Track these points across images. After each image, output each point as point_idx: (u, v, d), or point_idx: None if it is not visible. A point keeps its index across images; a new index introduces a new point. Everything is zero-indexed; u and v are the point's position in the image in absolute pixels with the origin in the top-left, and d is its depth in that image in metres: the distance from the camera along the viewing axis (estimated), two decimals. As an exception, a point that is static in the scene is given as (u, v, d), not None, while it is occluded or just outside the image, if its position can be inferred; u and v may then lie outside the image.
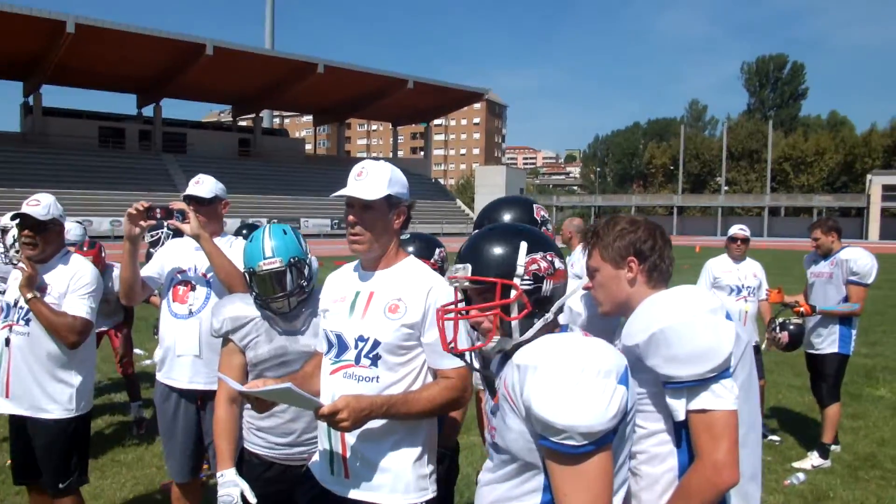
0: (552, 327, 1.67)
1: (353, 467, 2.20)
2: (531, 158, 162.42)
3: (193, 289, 3.36)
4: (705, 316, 1.68)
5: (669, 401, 1.67)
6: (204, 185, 3.42)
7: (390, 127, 69.28)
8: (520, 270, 1.60)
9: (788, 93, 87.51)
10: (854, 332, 5.32)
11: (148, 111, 51.05)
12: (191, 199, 3.35)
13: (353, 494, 2.19)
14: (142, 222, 3.06)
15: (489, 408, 1.71)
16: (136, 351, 7.51)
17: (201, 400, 3.35)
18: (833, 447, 5.43)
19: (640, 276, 1.85)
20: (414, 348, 2.21)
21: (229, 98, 55.15)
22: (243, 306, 2.75)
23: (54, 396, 3.18)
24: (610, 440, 1.45)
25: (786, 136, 78.48)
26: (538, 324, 1.61)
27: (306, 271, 2.72)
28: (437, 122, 78.40)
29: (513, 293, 1.59)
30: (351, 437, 2.18)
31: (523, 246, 1.62)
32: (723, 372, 1.65)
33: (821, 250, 5.43)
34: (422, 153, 75.12)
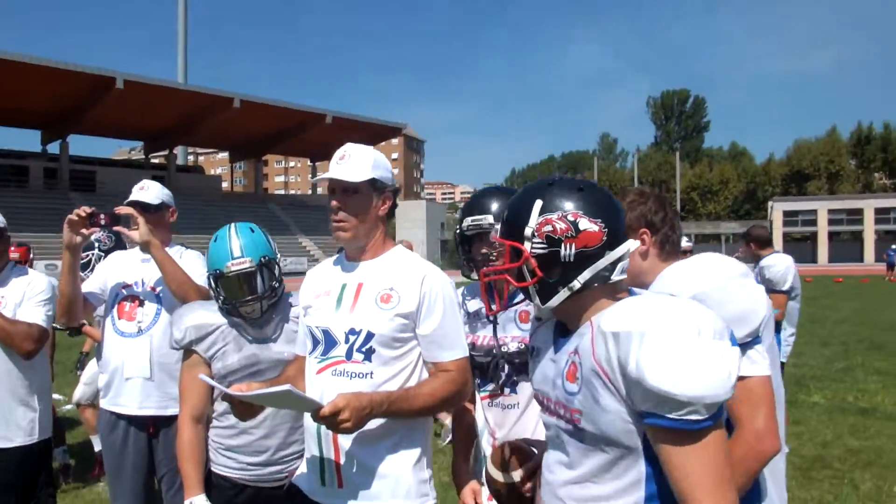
0: (606, 291, 1.45)
1: (348, 475, 2.01)
2: (450, 193, 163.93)
3: (142, 304, 3.07)
4: (738, 279, 1.62)
5: None
6: (150, 191, 3.16)
7: (308, 163, 68.60)
8: (528, 232, 1.44)
9: (692, 125, 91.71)
10: (782, 338, 5.49)
11: (53, 148, 48.62)
12: (136, 206, 3.07)
13: None
14: (83, 230, 2.77)
15: (562, 388, 1.45)
16: (55, 396, 6.92)
17: (153, 427, 3.04)
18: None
19: (652, 248, 1.79)
20: (409, 341, 2.05)
21: (141, 134, 53.13)
22: (207, 314, 2.52)
23: (18, 423, 2.99)
24: (723, 412, 1.30)
25: (692, 166, 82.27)
26: (562, 292, 1.44)
27: (277, 272, 2.52)
28: (357, 157, 77.75)
29: (521, 255, 1.45)
30: (345, 442, 1.99)
31: (537, 205, 1.45)
32: (756, 337, 1.60)
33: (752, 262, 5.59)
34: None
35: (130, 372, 2.99)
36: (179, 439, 2.47)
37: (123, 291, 3.09)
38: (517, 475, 1.96)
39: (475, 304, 2.36)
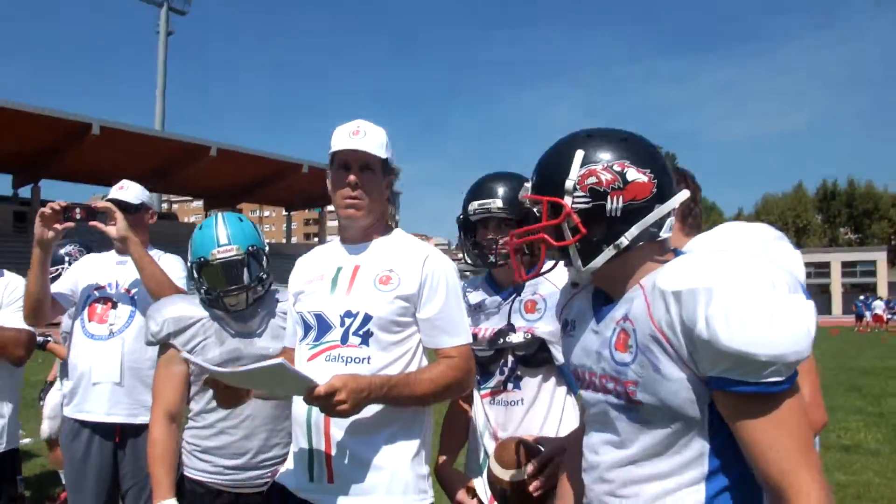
0: (654, 249, 1.33)
1: (340, 468, 1.83)
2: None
3: (115, 306, 2.91)
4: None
5: None
6: (129, 191, 3.04)
7: (283, 212, 68.38)
8: (570, 185, 1.30)
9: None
10: None
11: (25, 192, 47.88)
12: (114, 205, 2.94)
13: (340, 502, 1.82)
14: (57, 225, 2.61)
15: (611, 359, 1.31)
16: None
17: (120, 436, 2.85)
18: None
19: (675, 221, 1.70)
20: (409, 326, 1.91)
21: (116, 180, 52.68)
22: (187, 306, 2.38)
23: None
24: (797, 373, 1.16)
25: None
26: (607, 251, 1.30)
27: (265, 263, 2.39)
28: (331, 207, 78.05)
29: (562, 212, 1.31)
30: (338, 431, 1.83)
31: (578, 155, 1.31)
32: None
33: None
34: (316, 238, 74.25)
35: (99, 376, 2.81)
36: (151, 439, 2.29)
37: (95, 293, 2.94)
38: (524, 472, 1.84)
39: (477, 296, 2.25)
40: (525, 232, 1.39)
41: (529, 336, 2.07)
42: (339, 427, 1.83)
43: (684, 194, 1.35)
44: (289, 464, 1.98)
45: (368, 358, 1.85)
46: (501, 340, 2.12)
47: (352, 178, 1.92)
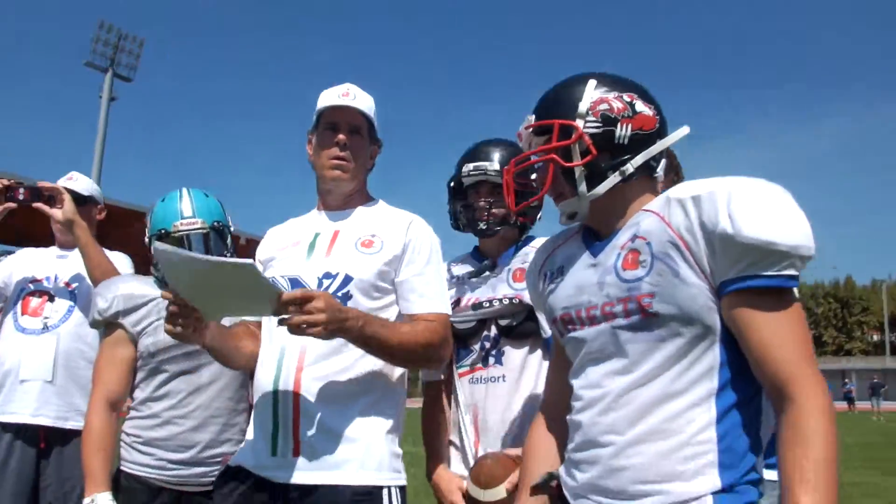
0: (644, 186, 1.38)
1: (308, 440, 1.66)
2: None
3: (51, 300, 2.68)
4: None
5: None
6: (79, 182, 2.86)
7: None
8: (583, 109, 1.34)
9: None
10: None
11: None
12: None
13: (305, 477, 1.64)
14: None
15: (618, 282, 1.30)
16: None
17: (46, 442, 2.55)
18: None
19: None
20: (388, 293, 1.81)
21: (48, 242, 50.90)
22: (139, 284, 2.22)
23: None
24: None
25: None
26: (612, 178, 1.34)
27: (229, 242, 2.25)
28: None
29: (573, 135, 1.33)
30: (308, 397, 1.68)
31: (591, 83, 1.37)
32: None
33: None
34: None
35: (28, 373, 2.55)
36: (88, 427, 2.07)
37: (31, 286, 2.71)
38: (502, 490, 1.76)
39: (461, 269, 2.16)
40: (540, 151, 1.39)
41: (517, 301, 1.96)
42: (309, 393, 1.68)
43: (684, 130, 1.40)
44: (248, 440, 1.79)
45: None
46: (486, 303, 2.01)
47: (341, 136, 1.85)
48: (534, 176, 1.53)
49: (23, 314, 2.65)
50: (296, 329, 1.47)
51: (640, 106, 1.36)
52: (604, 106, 1.34)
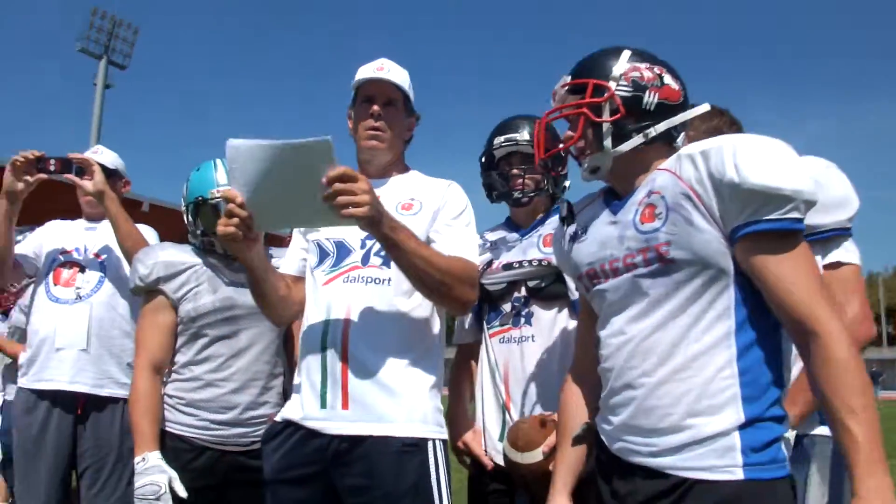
0: (663, 153, 1.46)
1: (356, 393, 1.72)
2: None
3: (83, 271, 2.73)
4: (836, 169, 1.69)
5: None
6: (105, 155, 2.91)
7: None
8: (616, 73, 1.45)
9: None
10: None
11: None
12: None
13: (354, 428, 1.71)
14: (28, 176, 2.45)
15: (637, 234, 1.39)
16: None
17: (82, 409, 2.61)
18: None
19: None
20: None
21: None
22: (179, 252, 2.28)
23: None
24: None
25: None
26: (636, 138, 1.44)
27: None
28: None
29: (606, 94, 1.44)
30: (357, 351, 1.73)
31: (626, 53, 1.48)
32: (849, 228, 1.67)
33: None
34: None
35: (63, 342, 2.59)
36: (134, 389, 2.14)
37: (61, 258, 2.75)
38: (539, 453, 1.81)
39: (496, 235, 2.23)
40: (572, 105, 1.48)
41: (546, 264, 2.02)
42: (358, 346, 1.74)
43: (705, 106, 1.52)
44: (295, 396, 1.85)
45: (389, 279, 1.79)
46: (517, 265, 2.07)
47: (375, 108, 1.90)
48: (563, 139, 1.59)
49: (55, 284, 2.69)
50: (340, 208, 1.50)
51: (668, 79, 1.47)
52: (635, 73, 1.45)
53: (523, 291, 2.07)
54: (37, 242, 2.80)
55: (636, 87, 1.44)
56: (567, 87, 1.50)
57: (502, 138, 2.15)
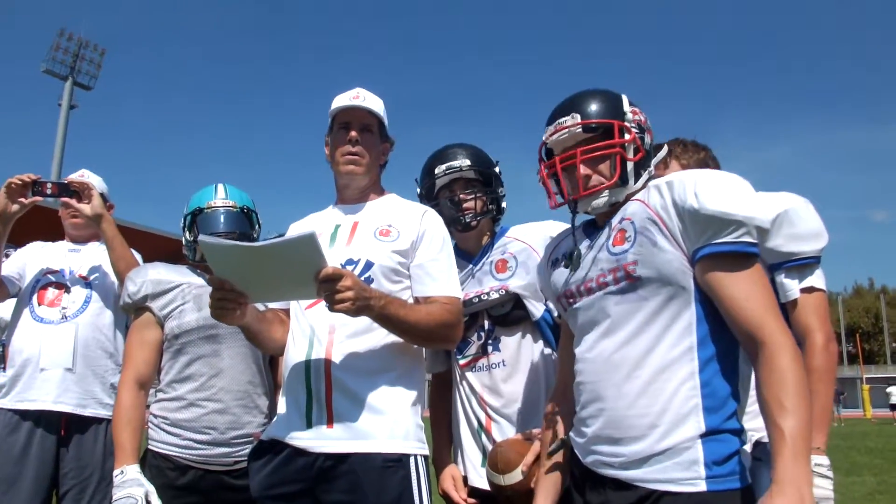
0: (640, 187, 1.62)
1: (341, 411, 1.79)
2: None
3: (68, 291, 2.74)
4: (809, 204, 1.84)
5: (785, 280, 1.77)
6: (91, 179, 2.93)
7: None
8: (629, 116, 1.59)
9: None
10: None
11: None
12: None
13: (340, 446, 1.77)
14: (23, 199, 2.49)
15: (608, 256, 1.53)
16: None
17: (66, 429, 2.62)
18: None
19: None
20: (406, 277, 1.96)
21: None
22: (168, 271, 2.35)
23: None
24: None
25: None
26: (644, 175, 1.60)
27: (257, 228, 2.40)
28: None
29: (626, 136, 1.57)
30: (339, 372, 1.81)
31: (624, 97, 1.63)
32: (820, 257, 1.81)
33: None
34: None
35: (48, 362, 2.61)
36: (118, 402, 2.20)
37: (49, 277, 2.77)
38: (518, 473, 1.88)
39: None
40: (596, 147, 1.56)
41: (504, 292, 2.11)
42: (340, 368, 1.81)
43: (665, 149, 1.76)
44: (279, 415, 1.91)
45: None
46: (476, 298, 2.14)
47: (353, 133, 2.00)
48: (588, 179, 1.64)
49: (40, 304, 2.71)
50: (328, 304, 1.63)
51: (649, 124, 1.65)
52: (638, 117, 1.61)
53: (486, 320, 2.15)
54: (20, 263, 2.81)
55: (640, 129, 1.60)
56: (583, 126, 1.59)
57: (444, 167, 2.23)
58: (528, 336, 2.13)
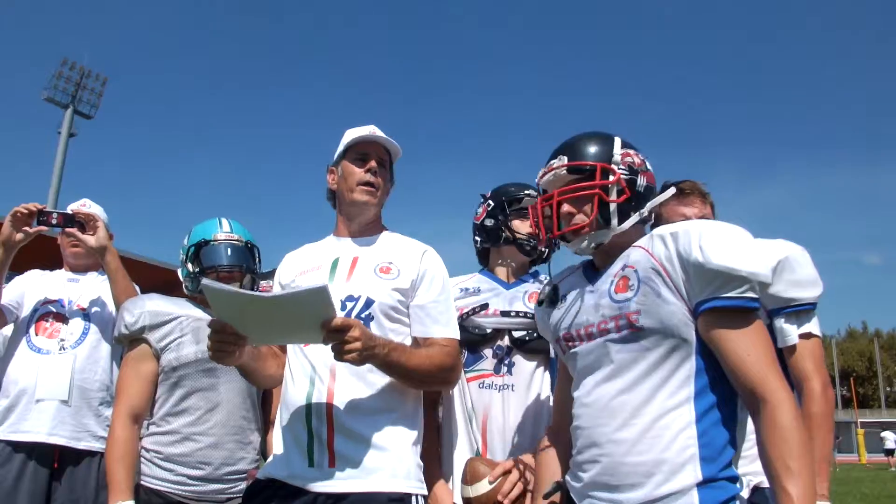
0: (640, 231, 1.64)
1: (343, 451, 1.78)
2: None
3: (66, 322, 2.74)
4: (805, 251, 1.88)
5: (785, 326, 1.80)
6: (93, 209, 2.95)
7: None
8: (616, 158, 1.60)
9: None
10: None
11: None
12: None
13: (342, 486, 1.75)
14: (28, 227, 2.51)
15: (611, 302, 1.54)
16: None
17: (59, 462, 2.59)
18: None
19: None
20: (405, 317, 1.96)
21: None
22: (165, 303, 2.35)
23: None
24: None
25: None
26: (634, 217, 1.60)
27: (258, 264, 2.41)
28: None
29: (611, 178, 1.58)
30: (341, 412, 1.80)
31: (617, 140, 1.64)
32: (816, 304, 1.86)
33: None
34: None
35: (44, 393, 2.59)
36: (112, 437, 2.17)
37: (49, 307, 2.76)
38: (486, 483, 1.91)
39: (473, 283, 2.30)
40: (577, 189, 1.59)
41: (529, 319, 2.09)
42: (342, 409, 1.80)
43: (671, 191, 1.74)
44: (277, 454, 1.88)
45: None
46: (514, 313, 2.13)
47: (373, 163, 2.00)
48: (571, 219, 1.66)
49: (37, 335, 2.70)
50: (336, 354, 1.63)
51: (648, 165, 1.65)
52: (629, 159, 1.61)
53: (507, 340, 2.14)
54: (18, 292, 2.80)
55: (631, 171, 1.60)
56: (567, 168, 1.62)
57: (535, 193, 2.22)
58: (542, 368, 2.12)
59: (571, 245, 1.65)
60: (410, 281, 1.95)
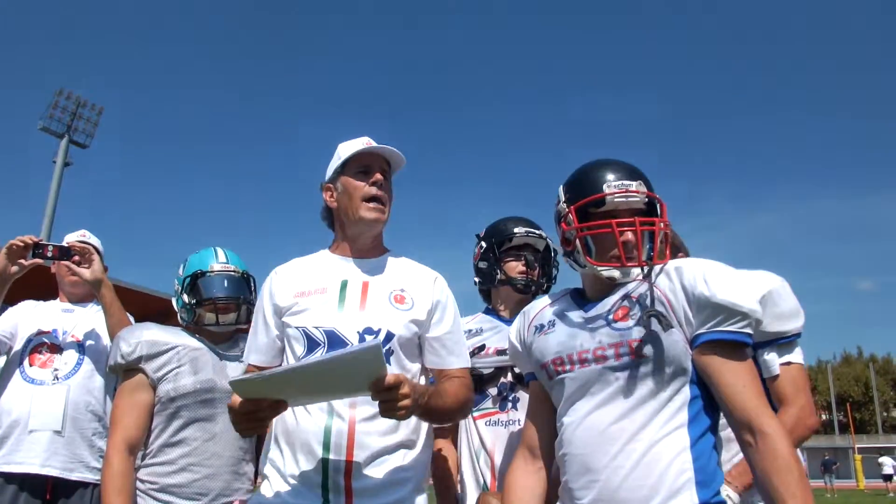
0: None
1: (362, 488, 1.72)
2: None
3: (60, 353, 2.74)
4: (786, 282, 1.91)
5: (767, 358, 1.85)
6: (91, 241, 2.97)
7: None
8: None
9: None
10: None
11: None
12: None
13: None
14: (23, 260, 2.52)
15: (610, 330, 1.58)
16: None
17: (51, 493, 2.57)
18: None
19: None
20: (417, 348, 1.91)
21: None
22: (162, 332, 2.34)
23: None
24: None
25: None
26: (661, 247, 1.65)
27: (254, 294, 2.41)
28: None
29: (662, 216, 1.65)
30: (362, 451, 1.73)
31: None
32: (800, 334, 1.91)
33: None
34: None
35: (37, 423, 2.57)
36: (108, 470, 2.14)
37: (43, 338, 2.76)
38: None
39: (476, 323, 2.33)
40: (651, 222, 1.61)
41: None
42: (362, 447, 1.73)
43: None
44: (282, 491, 1.78)
45: None
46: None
47: (378, 175, 1.89)
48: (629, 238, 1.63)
49: (31, 365, 2.69)
50: (384, 411, 1.54)
51: None
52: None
53: (510, 377, 2.16)
54: (12, 322, 2.80)
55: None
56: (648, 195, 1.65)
57: (523, 230, 2.28)
58: None
59: (622, 274, 1.62)
60: (426, 311, 1.87)
